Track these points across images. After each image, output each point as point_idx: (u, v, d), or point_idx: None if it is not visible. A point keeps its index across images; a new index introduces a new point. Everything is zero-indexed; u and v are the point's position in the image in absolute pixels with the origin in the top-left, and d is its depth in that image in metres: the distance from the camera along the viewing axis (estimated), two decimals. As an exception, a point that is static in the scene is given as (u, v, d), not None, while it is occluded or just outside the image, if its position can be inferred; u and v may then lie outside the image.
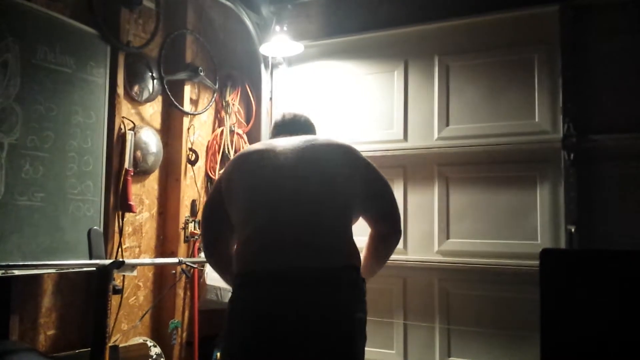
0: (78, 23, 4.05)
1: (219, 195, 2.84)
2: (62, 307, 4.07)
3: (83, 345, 4.03)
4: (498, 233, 4.60)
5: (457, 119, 4.84)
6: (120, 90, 4.36)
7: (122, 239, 4.41)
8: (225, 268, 2.93)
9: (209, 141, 5.34)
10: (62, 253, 3.86)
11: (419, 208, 4.87)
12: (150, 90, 4.69)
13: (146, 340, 4.51)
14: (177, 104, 4.87)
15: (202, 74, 5.02)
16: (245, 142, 5.48)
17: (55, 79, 3.87)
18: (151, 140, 4.62)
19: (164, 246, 4.88)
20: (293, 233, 2.53)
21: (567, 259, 3.40)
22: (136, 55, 4.57)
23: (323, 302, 2.46)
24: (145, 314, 4.62)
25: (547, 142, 4.48)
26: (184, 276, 4.74)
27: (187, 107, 4.98)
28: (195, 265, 4.56)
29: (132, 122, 4.50)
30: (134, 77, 4.55)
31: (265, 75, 5.62)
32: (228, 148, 5.33)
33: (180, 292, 4.88)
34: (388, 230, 2.88)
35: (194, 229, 4.96)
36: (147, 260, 4.59)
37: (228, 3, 5.16)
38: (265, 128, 5.59)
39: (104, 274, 3.46)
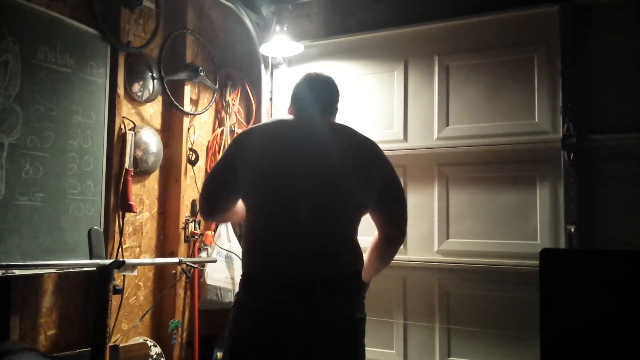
0: (78, 23, 4.04)
1: (232, 167, 2.77)
2: (63, 307, 4.07)
3: (83, 345, 4.02)
4: (498, 233, 4.60)
5: (457, 119, 4.84)
6: (121, 90, 4.36)
7: (122, 239, 4.41)
8: (225, 221, 2.96)
9: (209, 141, 5.34)
10: (62, 253, 3.85)
11: (419, 208, 4.87)
12: (151, 90, 4.69)
13: (146, 340, 4.51)
14: (178, 104, 4.87)
15: (202, 74, 5.02)
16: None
17: (56, 79, 3.86)
18: (151, 140, 4.62)
19: (164, 246, 4.88)
20: (303, 238, 2.54)
21: (567, 259, 3.41)
22: (136, 55, 4.57)
23: (328, 308, 2.49)
24: (145, 314, 4.61)
25: (547, 142, 4.48)
26: (184, 276, 4.74)
27: (187, 107, 4.99)
28: (195, 265, 4.56)
29: (133, 122, 4.50)
30: (134, 77, 4.54)
31: (265, 75, 5.62)
32: (228, 148, 5.33)
33: (181, 292, 4.88)
34: (396, 233, 2.88)
35: (194, 229, 4.96)
36: (148, 260, 4.59)
37: (228, 3, 5.16)
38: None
39: (104, 273, 3.45)
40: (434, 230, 4.83)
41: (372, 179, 2.71)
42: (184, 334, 4.92)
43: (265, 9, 5.44)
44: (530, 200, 4.53)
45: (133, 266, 3.79)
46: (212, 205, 2.91)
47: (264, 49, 5.33)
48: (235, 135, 5.35)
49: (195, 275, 4.92)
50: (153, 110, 4.81)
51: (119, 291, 3.62)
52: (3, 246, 3.50)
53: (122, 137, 4.39)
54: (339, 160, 2.64)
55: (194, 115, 5.10)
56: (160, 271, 4.84)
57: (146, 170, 4.64)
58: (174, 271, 4.76)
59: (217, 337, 5.02)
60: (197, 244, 5.00)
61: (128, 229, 4.52)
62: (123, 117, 4.41)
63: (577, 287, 3.23)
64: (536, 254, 3.35)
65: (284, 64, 5.63)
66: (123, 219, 4.43)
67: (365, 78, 5.24)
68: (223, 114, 5.43)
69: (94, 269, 3.52)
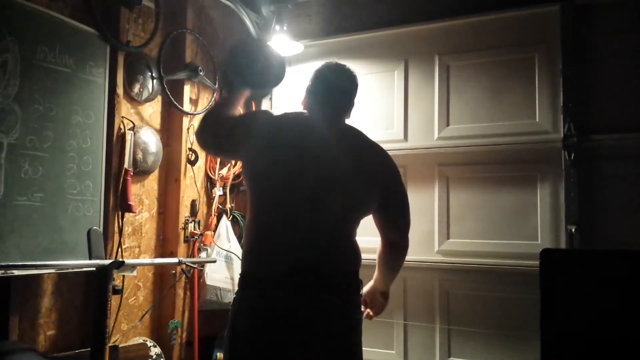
0: (78, 23, 4.04)
1: (250, 124, 2.75)
2: (62, 308, 4.06)
3: (83, 346, 4.02)
4: (498, 233, 4.59)
5: (457, 118, 4.83)
6: (120, 90, 4.35)
7: (121, 239, 4.40)
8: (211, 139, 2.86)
9: (208, 141, 5.32)
10: (61, 253, 3.85)
11: (420, 208, 4.84)
12: (150, 90, 4.68)
13: (146, 341, 4.50)
14: (177, 104, 4.86)
15: (201, 73, 5.00)
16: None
17: (55, 79, 3.86)
18: (151, 140, 4.61)
19: (163, 246, 4.87)
20: (302, 237, 2.54)
21: (568, 259, 3.38)
22: (136, 55, 4.55)
23: (327, 307, 2.50)
24: (145, 314, 4.61)
25: (547, 142, 4.47)
26: (183, 276, 4.73)
27: (186, 106, 4.97)
28: (195, 266, 4.55)
29: (132, 122, 4.49)
30: (133, 77, 4.53)
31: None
32: (228, 148, 5.31)
33: (180, 292, 4.87)
34: (397, 239, 2.89)
35: (194, 229, 4.95)
36: (147, 260, 4.58)
37: (228, 2, 5.15)
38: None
39: (104, 274, 3.45)
40: (435, 230, 4.82)
41: (375, 183, 2.70)
42: (184, 335, 4.91)
43: (265, 8, 5.43)
44: (530, 200, 4.52)
45: (132, 266, 3.79)
46: (216, 124, 2.80)
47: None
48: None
49: (195, 275, 4.91)
50: (152, 110, 4.80)
51: (118, 291, 3.62)
52: (2, 246, 3.50)
53: (122, 137, 4.38)
54: (344, 162, 2.62)
55: (194, 115, 5.09)
56: (160, 271, 4.83)
57: (145, 170, 4.63)
58: (174, 271, 4.75)
59: (216, 338, 5.01)
60: (197, 244, 4.99)
61: (127, 229, 4.52)
62: (122, 117, 4.40)
63: (577, 288, 3.20)
64: (537, 254, 3.32)
65: (284, 64, 5.61)
66: (122, 219, 4.43)
67: (365, 78, 5.18)
68: (223, 113, 5.41)
69: (94, 269, 3.52)
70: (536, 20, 4.61)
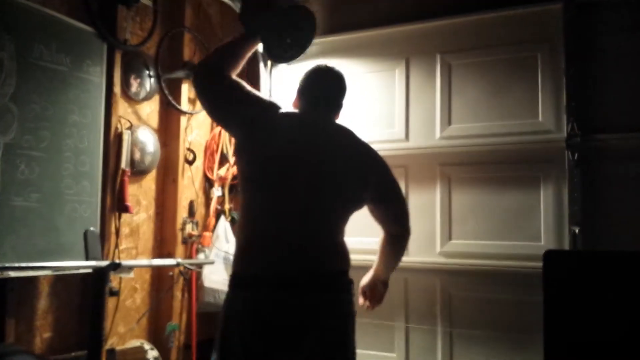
0: (74, 21, 4.04)
1: (255, 106, 2.70)
2: (58, 310, 4.05)
3: (79, 348, 4.01)
4: (501, 234, 4.56)
5: (459, 118, 4.80)
6: (117, 89, 4.33)
7: (118, 240, 4.38)
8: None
9: (207, 141, 5.30)
10: (58, 254, 3.85)
11: (421, 209, 4.82)
12: (148, 89, 4.65)
13: (143, 344, 4.47)
14: (175, 103, 4.84)
15: (200, 72, 4.96)
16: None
17: (51, 78, 3.85)
18: (148, 140, 4.58)
19: (161, 248, 4.85)
20: (295, 238, 2.54)
21: (571, 261, 3.36)
22: (133, 54, 4.54)
23: (318, 306, 2.51)
24: (142, 317, 4.59)
25: (550, 142, 4.44)
26: (181, 278, 4.72)
27: (184, 106, 4.95)
28: (193, 267, 4.53)
29: (129, 121, 4.48)
30: (131, 76, 4.51)
31: (264, 73, 5.56)
32: (226, 148, 5.28)
33: (178, 294, 4.84)
34: (399, 231, 2.93)
35: (192, 230, 4.92)
36: (144, 261, 4.57)
37: (226, 0, 5.12)
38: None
39: (100, 275, 3.46)
40: (436, 231, 4.79)
41: (365, 179, 2.74)
42: (182, 337, 4.89)
43: (264, 6, 5.38)
44: (533, 201, 4.50)
45: (129, 268, 3.81)
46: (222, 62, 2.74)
47: (262, 47, 5.26)
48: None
49: (193, 277, 4.88)
50: (150, 110, 4.77)
51: (115, 293, 3.62)
52: (-2, 247, 3.48)
53: (119, 137, 4.37)
54: (335, 161, 2.67)
55: (192, 114, 5.06)
56: (158, 273, 4.81)
57: (143, 171, 4.61)
58: (171, 273, 4.73)
59: (214, 341, 4.97)
60: (195, 246, 4.96)
61: (124, 230, 4.50)
62: (119, 117, 4.39)
63: (581, 289, 3.19)
64: (540, 255, 3.30)
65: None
66: (119, 220, 4.40)
67: (366, 76, 5.18)
68: (221, 113, 5.37)
69: (90, 270, 3.53)
70: (539, 19, 4.58)
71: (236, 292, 2.58)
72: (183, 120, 4.94)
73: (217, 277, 4.92)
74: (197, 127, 5.18)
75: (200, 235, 5.01)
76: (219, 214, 5.24)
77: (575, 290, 3.19)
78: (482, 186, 4.68)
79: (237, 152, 2.75)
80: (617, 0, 4.35)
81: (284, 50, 2.83)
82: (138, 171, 4.55)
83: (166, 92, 4.75)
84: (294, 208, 2.55)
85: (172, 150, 4.92)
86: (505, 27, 4.69)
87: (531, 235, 4.47)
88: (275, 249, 2.52)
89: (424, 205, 4.84)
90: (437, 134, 4.85)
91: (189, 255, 4.92)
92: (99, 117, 4.18)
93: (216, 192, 5.20)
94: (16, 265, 3.48)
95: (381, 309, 4.72)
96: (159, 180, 4.87)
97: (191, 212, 5.00)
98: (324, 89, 2.87)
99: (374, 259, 3.02)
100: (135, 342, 4.47)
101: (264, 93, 5.52)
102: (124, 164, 4.34)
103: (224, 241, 5.07)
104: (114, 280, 4.10)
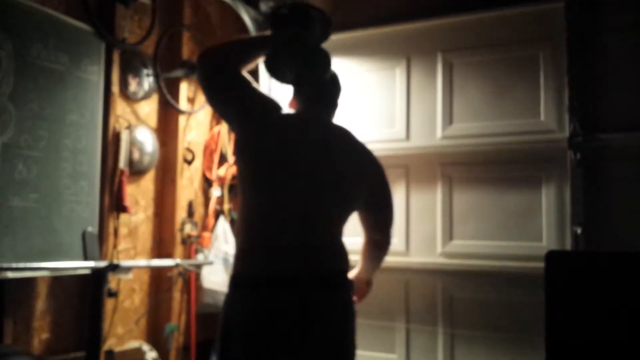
0: (72, 19, 4.04)
1: (261, 102, 2.68)
2: (56, 311, 4.05)
3: (77, 349, 4.04)
4: (502, 234, 4.55)
5: (460, 117, 4.77)
6: (115, 88, 4.33)
7: (117, 241, 4.38)
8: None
9: (206, 140, 5.28)
10: (56, 255, 3.84)
11: (422, 209, 4.80)
12: (146, 88, 4.64)
13: (142, 345, 4.46)
14: (174, 102, 4.82)
15: (199, 71, 4.95)
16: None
17: (49, 77, 3.86)
18: (147, 140, 4.57)
19: (160, 248, 4.84)
20: (296, 238, 2.55)
21: (573, 261, 3.34)
22: (131, 52, 4.54)
23: (320, 307, 2.52)
24: (141, 318, 4.59)
25: (552, 142, 4.42)
26: (180, 279, 4.71)
27: (183, 105, 4.93)
28: (192, 268, 4.52)
29: (128, 121, 4.45)
30: (129, 75, 4.52)
31: (263, 72, 5.55)
32: (226, 148, 5.26)
33: (177, 295, 4.83)
34: (380, 238, 2.96)
35: (191, 231, 4.91)
36: (143, 262, 4.57)
37: (226, -1, 5.11)
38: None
39: (99, 276, 3.47)
40: (437, 231, 4.77)
41: (364, 183, 2.77)
42: (181, 338, 4.88)
43: (263, 4, 5.35)
44: (535, 201, 4.48)
45: (128, 269, 3.83)
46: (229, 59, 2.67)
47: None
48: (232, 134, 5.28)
49: (191, 278, 4.87)
50: (149, 109, 4.76)
51: (113, 294, 3.61)
52: (-4, 248, 3.49)
53: (117, 137, 4.37)
54: (335, 162, 2.68)
55: (191, 113, 5.04)
56: (156, 274, 4.80)
57: (141, 170, 4.61)
58: (170, 274, 4.72)
59: (214, 342, 4.95)
60: (194, 246, 4.94)
61: (123, 230, 4.49)
62: (118, 116, 4.39)
63: (583, 290, 3.17)
64: (542, 255, 3.28)
65: (283, 62, 5.57)
66: (118, 220, 4.38)
67: (366, 75, 5.15)
68: (220, 112, 5.35)
69: (88, 271, 3.54)
70: (541, 17, 4.56)
71: (236, 292, 2.58)
72: (182, 119, 4.93)
73: (216, 277, 4.90)
74: (196, 127, 5.16)
75: (199, 236, 4.99)
76: (218, 214, 5.22)
77: (577, 291, 3.17)
78: (483, 186, 4.66)
79: (237, 151, 2.72)
80: (620, -2, 4.35)
81: (285, 74, 2.81)
82: (136, 171, 4.54)
83: (165, 91, 4.74)
84: (294, 208, 2.56)
85: (170, 150, 4.91)
86: (507, 26, 4.67)
87: (533, 235, 4.45)
88: (276, 250, 2.52)
89: (424, 206, 4.82)
90: (438, 134, 4.82)
91: (187, 256, 4.91)
92: (97, 117, 4.17)
93: (215, 192, 5.18)
94: (14, 265, 3.48)
95: (381, 309, 4.75)
96: (158, 180, 4.86)
97: (190, 213, 4.99)
98: (320, 89, 2.87)
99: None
100: (133, 343, 4.47)
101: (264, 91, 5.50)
102: (122, 163, 4.34)
103: (223, 242, 5.05)
104: (112, 281, 4.07)
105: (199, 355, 4.86)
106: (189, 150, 4.96)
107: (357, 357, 2.66)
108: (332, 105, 2.90)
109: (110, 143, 4.29)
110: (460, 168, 4.75)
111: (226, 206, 5.27)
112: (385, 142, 4.89)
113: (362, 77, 5.17)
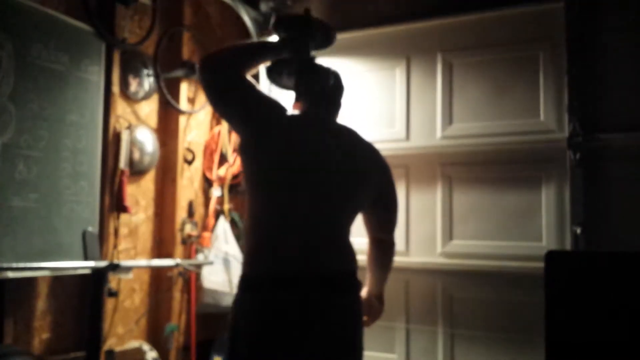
0: (73, 20, 4.04)
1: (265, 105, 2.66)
2: (57, 310, 4.05)
3: (78, 349, 4.03)
4: (502, 234, 4.55)
5: (460, 117, 4.77)
6: (116, 88, 4.33)
7: (117, 241, 4.37)
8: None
9: (206, 141, 5.28)
10: (56, 255, 3.84)
11: (422, 209, 4.80)
12: (146, 88, 4.64)
13: (142, 344, 4.46)
14: (174, 103, 4.82)
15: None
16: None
17: (49, 77, 3.85)
18: (147, 140, 4.57)
19: (160, 248, 4.84)
20: (306, 239, 2.54)
21: (573, 261, 3.34)
22: (132, 53, 4.53)
23: (330, 307, 2.51)
24: (141, 318, 4.58)
25: (552, 142, 4.42)
26: (180, 279, 4.70)
27: (183, 105, 4.93)
28: (192, 268, 4.52)
29: (128, 121, 4.45)
30: (129, 75, 4.51)
31: (263, 72, 5.55)
32: (226, 148, 5.25)
33: (177, 295, 4.83)
34: (388, 238, 2.95)
35: (191, 231, 4.91)
36: (143, 262, 4.56)
37: (226, -1, 5.11)
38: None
39: (99, 276, 3.47)
40: (437, 231, 4.77)
41: (371, 183, 2.76)
42: (181, 338, 4.87)
43: (263, 4, 5.36)
44: (535, 201, 4.48)
45: (128, 268, 3.81)
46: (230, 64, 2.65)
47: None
48: (232, 134, 5.28)
49: (192, 278, 4.86)
50: (149, 109, 4.76)
51: (114, 294, 3.61)
52: (-4, 248, 3.48)
53: (117, 137, 4.36)
54: (343, 162, 2.66)
55: (191, 113, 5.04)
56: (156, 274, 4.80)
57: (142, 171, 4.60)
58: (170, 274, 4.71)
59: (214, 342, 4.96)
60: (194, 246, 4.94)
61: (123, 230, 4.49)
62: (118, 116, 4.39)
63: (583, 290, 3.17)
64: (541, 255, 3.28)
65: (283, 61, 5.56)
66: (118, 220, 4.38)
67: (366, 75, 5.15)
68: (220, 112, 5.34)
69: (89, 271, 3.53)
70: (541, 17, 4.56)
71: (245, 293, 2.57)
72: (182, 119, 4.93)
73: (216, 277, 4.90)
74: (196, 127, 5.16)
75: (199, 236, 4.99)
76: (218, 214, 5.22)
77: (577, 291, 3.17)
78: (483, 186, 4.66)
79: (243, 153, 2.70)
80: (620, -2, 4.34)
81: (286, 84, 2.90)
82: (137, 171, 4.54)
83: (165, 91, 4.73)
84: (301, 210, 2.55)
85: (171, 150, 4.91)
86: (507, 26, 4.67)
87: (533, 235, 4.44)
88: (285, 251, 2.51)
89: (424, 206, 4.82)
90: (438, 134, 4.82)
91: (188, 256, 4.91)
92: (97, 117, 4.17)
93: (215, 192, 5.18)
94: (14, 265, 3.48)
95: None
96: (158, 181, 4.86)
97: (190, 213, 4.99)
98: (324, 91, 2.85)
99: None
100: (134, 343, 4.46)
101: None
102: (122, 164, 4.33)
103: (223, 242, 5.05)
104: (112, 281, 4.07)
105: (199, 355, 4.85)
106: (189, 150, 4.96)
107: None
108: (335, 105, 2.89)
109: (111, 143, 4.28)
110: (460, 168, 4.74)
111: (226, 206, 5.26)
112: (385, 142, 4.87)
113: (362, 77, 5.17)
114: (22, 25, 3.66)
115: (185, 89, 4.96)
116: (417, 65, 4.98)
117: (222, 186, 5.23)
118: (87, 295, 3.82)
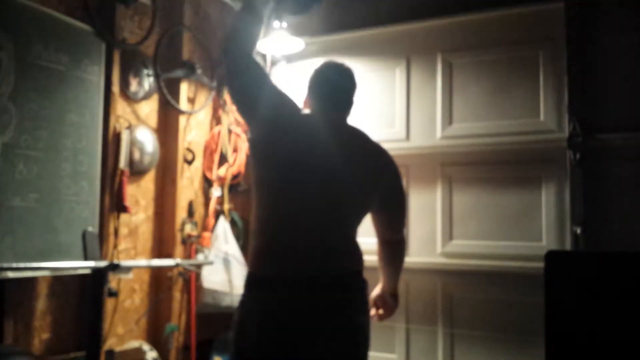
0: (73, 20, 4.02)
1: (276, 97, 2.65)
2: (57, 310, 4.02)
3: (78, 349, 4.01)
4: (502, 234, 4.55)
5: (460, 117, 4.78)
6: (116, 88, 4.31)
7: (117, 241, 4.36)
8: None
9: (206, 141, 5.27)
10: (56, 255, 3.83)
11: (422, 209, 4.81)
12: (146, 88, 4.63)
13: (142, 344, 4.45)
14: (174, 103, 4.81)
15: (199, 71, 4.95)
16: (243, 142, 5.38)
17: (49, 77, 3.83)
18: (147, 140, 4.56)
19: (160, 248, 4.82)
20: (313, 239, 2.54)
21: (573, 261, 3.35)
22: (132, 53, 4.51)
23: (336, 306, 2.52)
24: (141, 318, 4.57)
25: (552, 142, 4.43)
26: (180, 279, 4.70)
27: (183, 105, 4.91)
28: (192, 268, 4.51)
29: (128, 121, 4.44)
30: (129, 75, 4.49)
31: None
32: (226, 148, 5.25)
33: (177, 295, 4.81)
34: (398, 238, 2.97)
35: (191, 231, 4.90)
36: (143, 262, 4.54)
37: (226, -1, 5.12)
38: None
39: (99, 276, 3.46)
40: (437, 231, 4.78)
41: (380, 184, 2.75)
42: (181, 338, 4.85)
43: (264, 4, 5.36)
44: (535, 201, 4.49)
45: (128, 268, 3.80)
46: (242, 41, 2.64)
47: (262, 46, 5.23)
48: (232, 134, 5.28)
49: (192, 278, 4.86)
50: (149, 109, 4.74)
51: (114, 294, 3.60)
52: (-4, 248, 3.47)
53: (117, 137, 4.34)
54: (351, 164, 2.64)
55: (191, 113, 5.03)
56: (157, 274, 4.78)
57: (142, 171, 4.59)
58: (170, 274, 4.71)
59: (214, 342, 4.96)
60: (194, 246, 4.93)
61: (123, 230, 4.47)
62: (118, 116, 4.37)
63: (583, 290, 3.18)
64: (541, 255, 3.29)
65: (283, 61, 5.56)
66: (118, 220, 4.37)
67: (366, 75, 5.14)
68: (220, 112, 5.35)
69: (89, 271, 3.53)
70: (540, 18, 4.57)
71: (252, 293, 2.57)
72: (182, 119, 4.91)
73: (216, 277, 4.89)
74: (196, 127, 5.15)
75: (199, 236, 4.98)
76: (218, 214, 5.21)
77: (577, 291, 3.18)
78: (483, 186, 4.66)
79: (252, 151, 2.70)
80: (619, -1, 4.35)
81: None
82: (137, 171, 4.53)
83: (165, 91, 4.72)
84: (310, 210, 2.55)
85: (171, 150, 4.89)
86: (507, 26, 4.68)
87: (532, 235, 4.45)
88: (292, 251, 2.52)
89: (424, 206, 4.83)
90: (438, 134, 4.83)
91: (188, 256, 4.89)
92: (97, 117, 4.15)
93: (215, 192, 5.17)
94: (14, 265, 3.46)
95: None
96: (158, 181, 4.84)
97: (190, 213, 4.97)
98: (336, 87, 2.82)
99: (374, 259, 2.99)
100: (134, 343, 4.45)
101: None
102: (122, 164, 4.32)
103: (223, 242, 5.05)
104: (112, 281, 4.06)
105: (199, 355, 4.84)
106: (189, 150, 4.95)
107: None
108: (347, 102, 2.86)
109: (111, 143, 4.27)
110: (460, 168, 4.75)
111: (226, 206, 5.26)
112: (385, 142, 4.76)
113: (362, 77, 5.12)
114: (22, 26, 3.65)
115: (185, 89, 4.95)
116: (417, 66, 4.99)
117: (222, 186, 5.23)
118: (87, 295, 3.82)
